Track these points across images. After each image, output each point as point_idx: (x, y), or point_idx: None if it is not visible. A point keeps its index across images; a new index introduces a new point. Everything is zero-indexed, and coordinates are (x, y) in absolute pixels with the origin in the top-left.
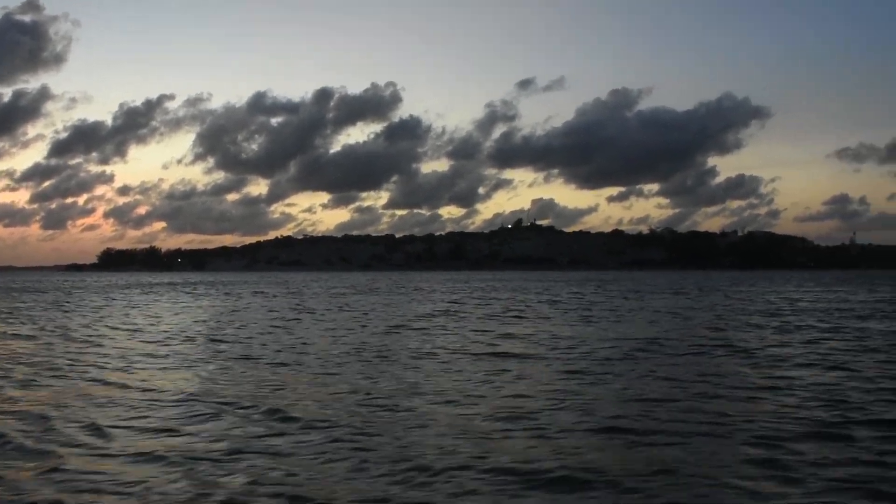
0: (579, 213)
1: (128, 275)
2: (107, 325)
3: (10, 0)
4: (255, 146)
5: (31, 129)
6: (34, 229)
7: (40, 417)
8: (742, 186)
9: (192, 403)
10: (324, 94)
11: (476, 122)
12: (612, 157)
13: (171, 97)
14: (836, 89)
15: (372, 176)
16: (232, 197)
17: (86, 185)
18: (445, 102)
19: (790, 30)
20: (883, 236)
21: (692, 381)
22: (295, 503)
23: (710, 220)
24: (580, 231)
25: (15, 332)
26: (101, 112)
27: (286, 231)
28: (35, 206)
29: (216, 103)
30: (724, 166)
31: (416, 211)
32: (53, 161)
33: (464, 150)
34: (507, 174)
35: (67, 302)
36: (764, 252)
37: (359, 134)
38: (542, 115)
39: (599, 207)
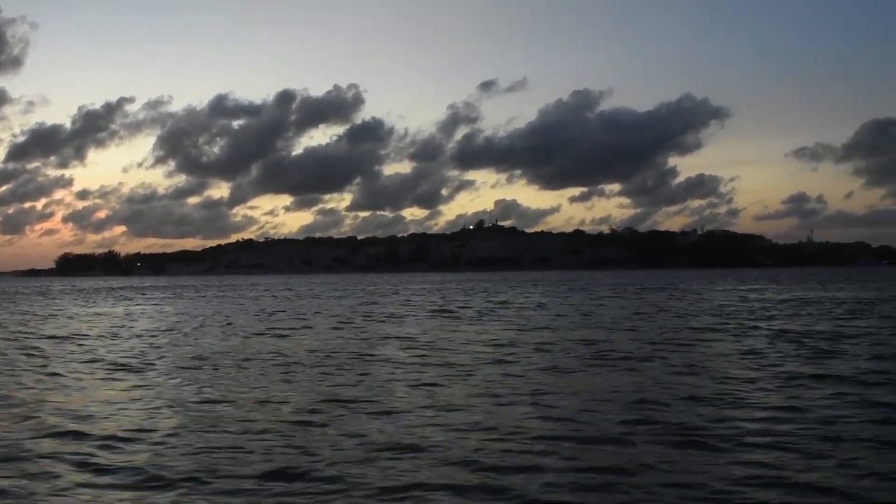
0: (542, 214)
1: (82, 280)
2: None
3: None
4: (216, 149)
5: None
6: None
7: None
8: (702, 186)
9: None
10: (286, 97)
11: (438, 123)
12: (574, 157)
13: (131, 100)
14: (794, 90)
15: (335, 178)
16: (193, 200)
17: (44, 190)
18: (408, 104)
19: (749, 31)
20: (839, 234)
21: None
22: None
23: (672, 220)
24: (541, 231)
25: None
26: (60, 115)
27: (249, 234)
28: None
29: (177, 106)
30: (685, 166)
31: (379, 213)
32: (11, 165)
33: (426, 152)
34: (470, 175)
35: None
36: (723, 251)
37: (321, 136)
38: (504, 117)
39: (562, 208)
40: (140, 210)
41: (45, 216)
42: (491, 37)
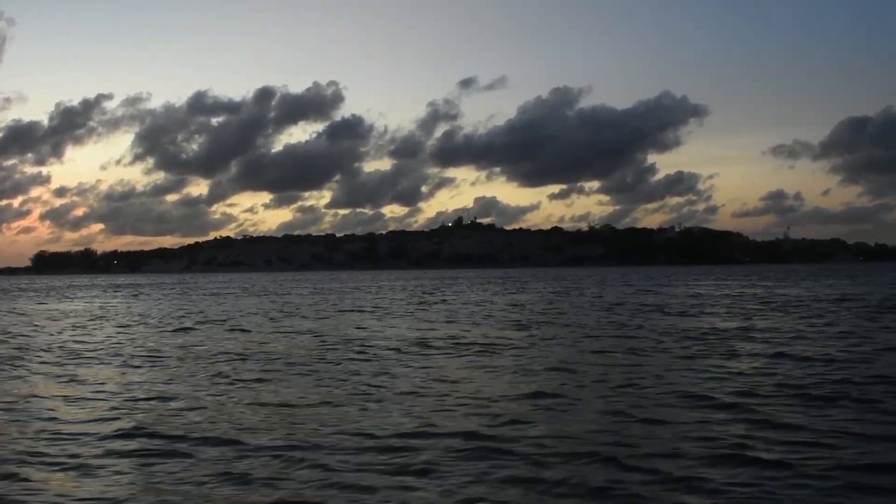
0: (521, 211)
1: (58, 278)
2: None
3: None
4: (195, 146)
5: None
6: None
7: None
8: (681, 183)
9: None
10: (265, 94)
11: (418, 121)
12: (554, 155)
13: (110, 97)
14: (772, 88)
15: (314, 175)
16: (172, 198)
17: (21, 187)
18: (387, 101)
19: (727, 30)
20: (816, 231)
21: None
22: None
23: (651, 217)
24: (520, 229)
25: None
26: (37, 112)
27: (228, 232)
28: None
29: (155, 103)
30: (664, 163)
31: (358, 210)
32: None
33: (406, 149)
34: (450, 173)
35: None
36: (700, 248)
37: (301, 133)
38: (484, 114)
39: (541, 205)
40: (118, 208)
41: (22, 214)
42: (471, 34)
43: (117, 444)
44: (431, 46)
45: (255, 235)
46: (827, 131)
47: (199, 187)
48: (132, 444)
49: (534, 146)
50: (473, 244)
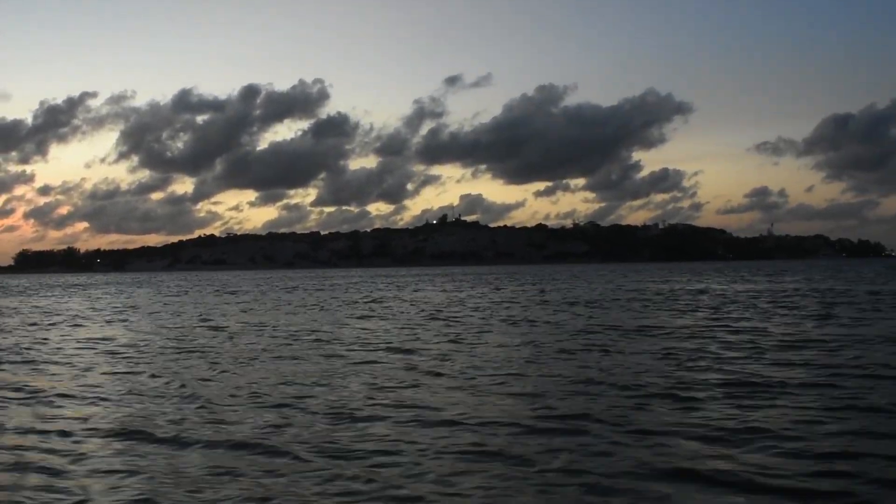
0: (507, 208)
1: (38, 277)
2: None
3: None
4: (180, 144)
5: None
6: None
7: None
8: (666, 180)
9: None
10: (250, 91)
11: (404, 118)
12: (539, 152)
13: (94, 95)
14: (756, 85)
15: (300, 173)
16: (157, 196)
17: (5, 186)
18: (373, 99)
19: (712, 27)
20: (800, 227)
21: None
22: None
23: (636, 214)
24: (504, 226)
25: None
26: (21, 110)
27: (213, 230)
28: None
29: (140, 101)
30: (648, 160)
31: (344, 208)
32: None
33: (392, 147)
34: (436, 170)
35: None
36: (683, 244)
37: (286, 131)
38: (469, 111)
39: (527, 202)
40: (103, 206)
41: (5, 212)
42: (456, 32)
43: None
44: (417, 44)
45: (239, 234)
46: (811, 128)
47: (184, 185)
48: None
49: (519, 143)
50: (457, 241)
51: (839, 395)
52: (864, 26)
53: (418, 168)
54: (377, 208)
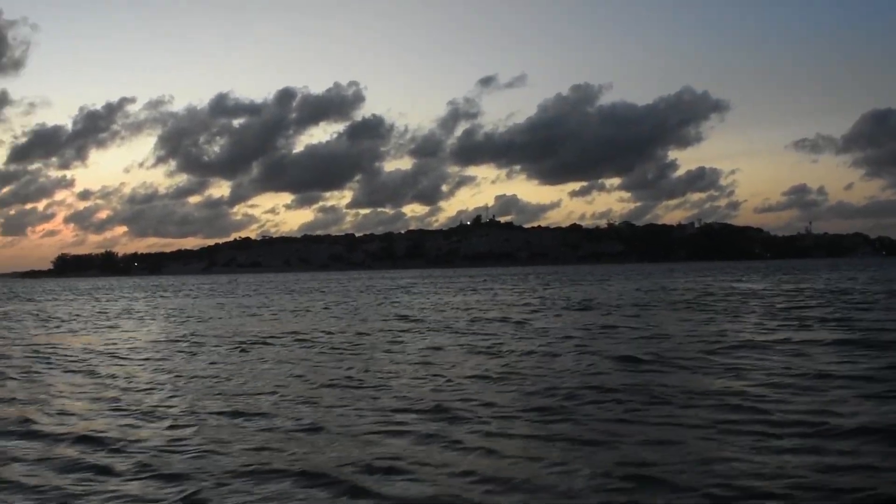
0: (542, 209)
1: (75, 280)
2: None
3: None
4: (217, 148)
5: None
6: None
7: None
8: (702, 179)
9: None
10: (286, 95)
11: (438, 119)
12: (574, 152)
13: (132, 100)
14: (794, 81)
15: (335, 176)
16: (194, 199)
17: (45, 191)
18: (408, 101)
19: (748, 23)
20: (839, 225)
21: None
22: None
23: (672, 213)
24: (538, 226)
25: None
26: (61, 116)
27: (249, 233)
28: None
29: (178, 105)
30: (685, 159)
31: (379, 210)
32: (12, 167)
33: (426, 149)
34: (470, 171)
35: None
36: (720, 243)
37: (321, 134)
38: (504, 112)
39: (562, 203)
40: (141, 210)
41: (46, 217)
42: (490, 33)
43: None
44: (451, 45)
45: (274, 236)
46: (850, 125)
47: (220, 189)
48: None
49: (554, 144)
50: (491, 242)
51: None
52: None
53: (453, 169)
54: (412, 210)
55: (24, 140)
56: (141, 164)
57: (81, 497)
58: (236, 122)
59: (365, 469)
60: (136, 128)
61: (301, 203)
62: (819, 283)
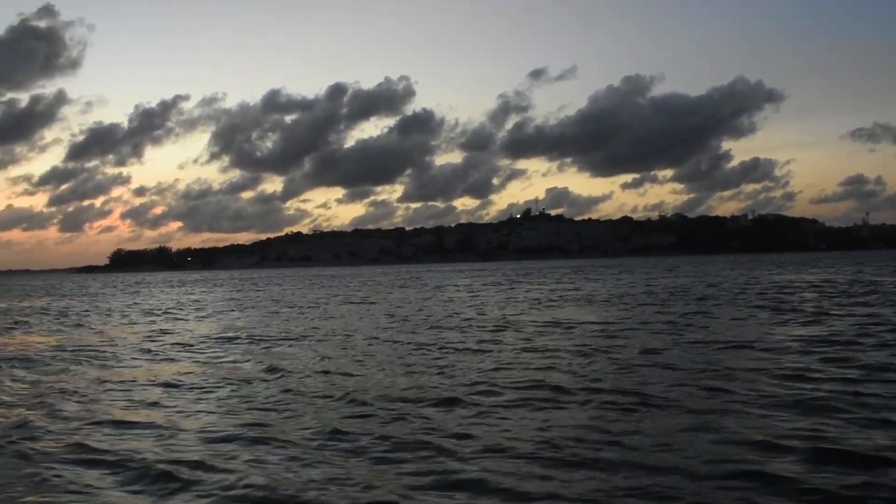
0: (593, 202)
1: (132, 275)
2: None
3: (26, 5)
4: (269, 144)
5: (48, 134)
6: (52, 232)
7: None
8: (757, 170)
9: None
10: (337, 90)
11: (489, 113)
12: (626, 144)
13: (186, 97)
14: (849, 70)
15: (386, 170)
16: (247, 195)
17: (102, 188)
18: (458, 94)
19: (801, 12)
20: None
21: None
22: None
23: (726, 205)
24: (588, 219)
25: None
26: (117, 114)
27: (301, 227)
28: (53, 209)
29: (231, 102)
30: (739, 150)
31: (430, 204)
32: (70, 164)
33: (477, 142)
34: (521, 164)
35: None
36: (773, 235)
37: (372, 128)
38: (554, 105)
39: (614, 195)
40: (195, 206)
41: (103, 213)
42: (540, 25)
43: None
44: (501, 38)
45: (326, 230)
46: None
47: (273, 184)
48: None
49: (606, 136)
50: (541, 235)
51: None
52: None
53: (504, 163)
54: (463, 203)
55: (81, 138)
56: (195, 161)
57: None
58: (288, 118)
59: None
60: (190, 125)
61: (352, 197)
62: None
